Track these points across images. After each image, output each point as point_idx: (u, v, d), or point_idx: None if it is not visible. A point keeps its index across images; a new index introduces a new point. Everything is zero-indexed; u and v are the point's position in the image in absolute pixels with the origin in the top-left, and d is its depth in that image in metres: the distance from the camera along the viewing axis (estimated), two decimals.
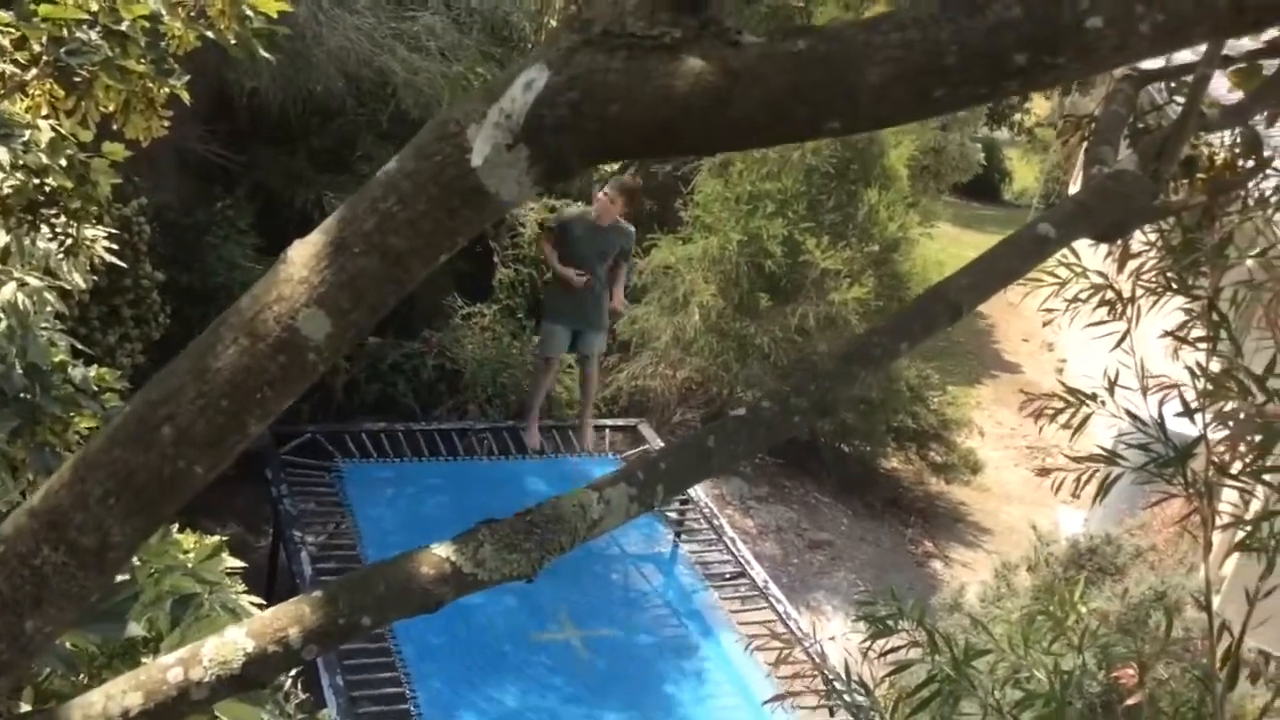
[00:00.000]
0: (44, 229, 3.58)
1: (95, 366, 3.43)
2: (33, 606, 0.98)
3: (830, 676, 5.25)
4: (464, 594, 1.34)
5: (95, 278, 5.93)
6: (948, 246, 11.60)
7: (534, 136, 0.92)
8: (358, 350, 8.06)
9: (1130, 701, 2.55)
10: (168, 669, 1.19)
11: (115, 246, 4.37)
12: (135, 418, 0.98)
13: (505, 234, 9.31)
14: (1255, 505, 2.56)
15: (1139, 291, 2.65)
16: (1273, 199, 2.56)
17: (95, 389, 3.32)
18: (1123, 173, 1.85)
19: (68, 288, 3.93)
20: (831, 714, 5.71)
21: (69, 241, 3.67)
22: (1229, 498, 2.66)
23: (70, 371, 3.34)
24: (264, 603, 2.85)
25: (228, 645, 1.20)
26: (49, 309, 3.69)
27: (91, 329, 6.09)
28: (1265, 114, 2.22)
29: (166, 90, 3.76)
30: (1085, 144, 2.45)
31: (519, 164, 0.92)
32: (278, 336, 0.97)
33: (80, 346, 4.27)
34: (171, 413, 0.96)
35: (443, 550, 1.33)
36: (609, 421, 8.65)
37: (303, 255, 0.96)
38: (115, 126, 3.85)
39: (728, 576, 7.07)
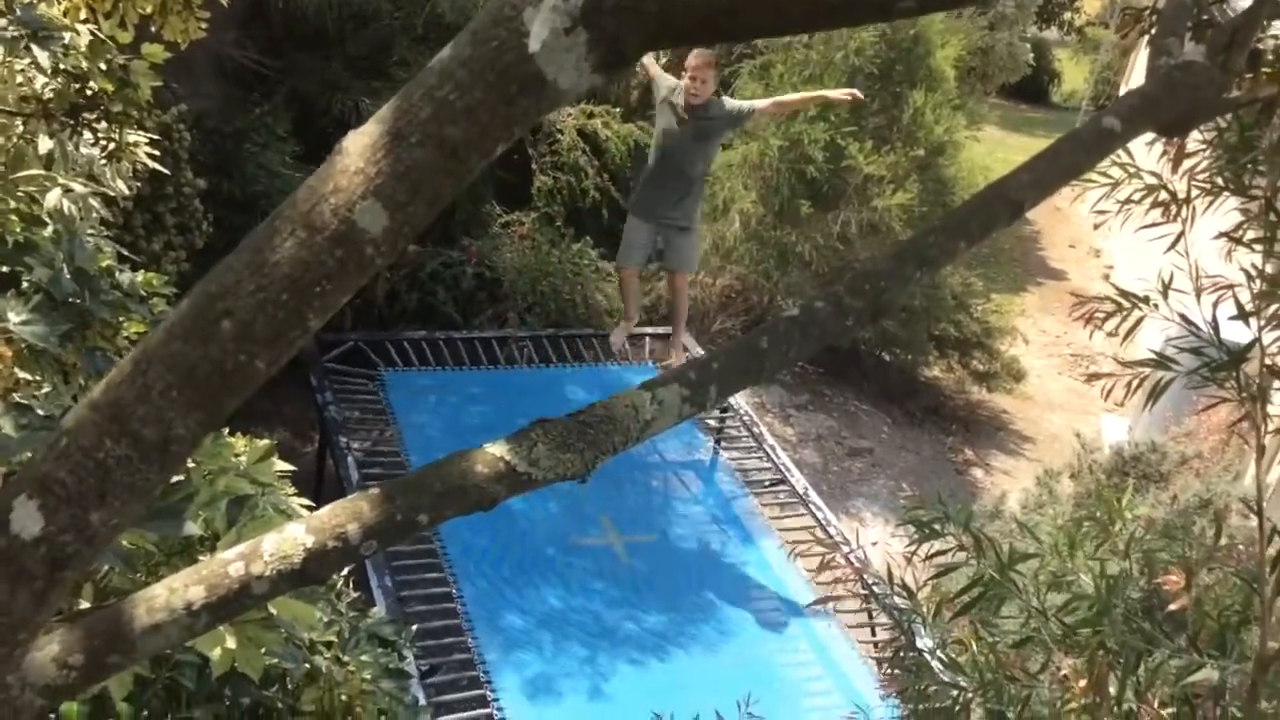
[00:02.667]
0: (86, 134, 3.58)
1: (142, 272, 3.46)
2: (97, 499, 0.99)
3: (871, 581, 5.31)
4: (517, 492, 1.35)
5: (138, 184, 5.95)
6: (994, 150, 11.37)
7: (593, 19, 0.89)
8: (398, 258, 8.08)
9: (1174, 606, 2.55)
10: (229, 563, 1.21)
11: (156, 153, 4.37)
12: (194, 311, 0.97)
13: (543, 141, 9.23)
14: None
15: (1194, 192, 2.58)
16: None
17: (143, 294, 3.35)
18: (1191, 64, 1.78)
19: (111, 194, 3.95)
20: (871, 617, 5.81)
21: (111, 146, 3.67)
22: (1279, 401, 2.62)
23: (118, 276, 3.37)
24: (313, 505, 2.91)
25: (288, 541, 1.21)
26: (94, 215, 3.71)
27: (136, 236, 6.14)
28: None
29: None
30: (1146, 37, 2.37)
31: (577, 49, 0.89)
32: (335, 229, 0.96)
33: (126, 253, 4.31)
34: (230, 307, 0.96)
35: (497, 449, 1.34)
36: (648, 330, 8.64)
37: (358, 146, 0.95)
38: (153, 28, 3.82)
39: (767, 484, 7.11)
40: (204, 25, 3.97)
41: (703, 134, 6.10)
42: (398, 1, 8.00)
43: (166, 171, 5.75)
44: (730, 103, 6.17)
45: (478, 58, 0.91)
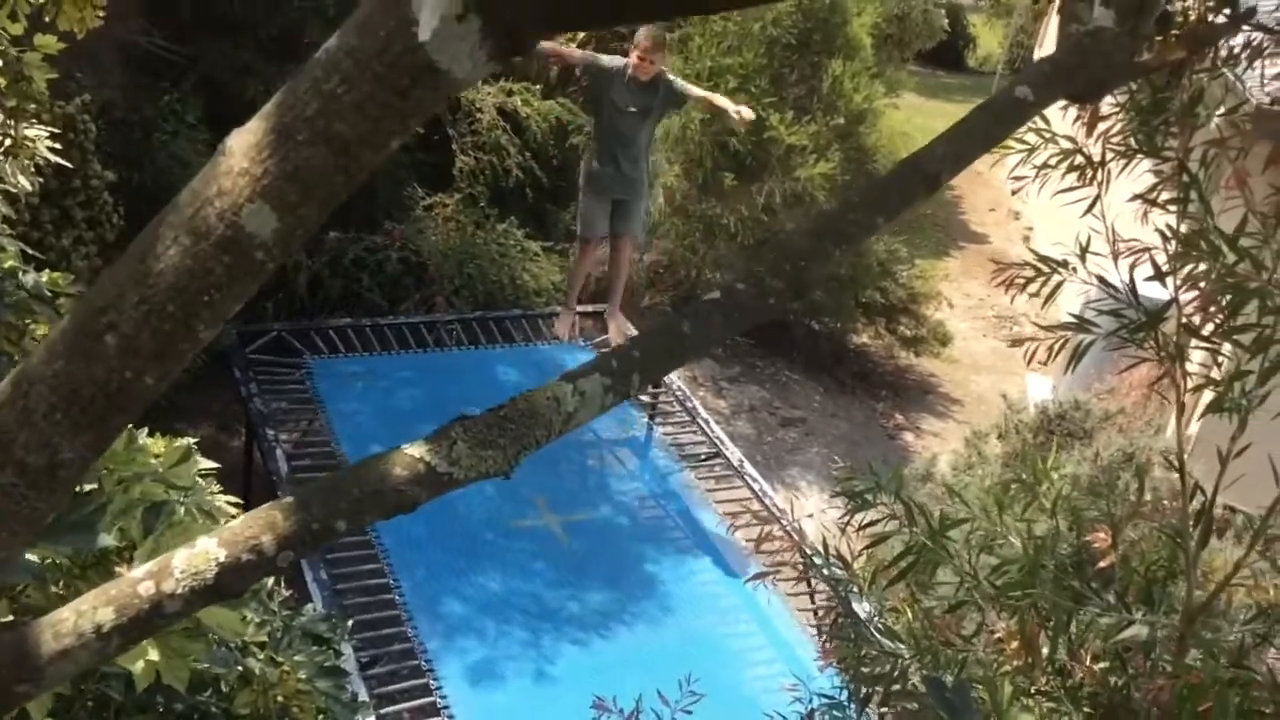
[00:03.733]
0: None
1: (47, 271, 3.34)
2: None
3: (809, 552, 5.35)
4: (439, 493, 1.31)
5: (41, 179, 5.78)
6: (913, 117, 11.47)
7: (485, 6, 0.84)
8: (319, 245, 7.93)
9: (1103, 563, 2.59)
10: (139, 582, 1.16)
11: (59, 146, 4.22)
12: (76, 327, 0.92)
13: (463, 121, 9.10)
14: (1224, 365, 2.56)
15: (1108, 155, 2.61)
16: (1243, 55, 2.50)
17: (49, 294, 3.24)
18: (1101, 30, 1.79)
19: (13, 190, 3.81)
20: (810, 587, 5.86)
21: (8, 142, 3.53)
22: (1197, 359, 2.67)
23: (22, 277, 3.25)
24: (242, 503, 2.83)
25: (199, 555, 1.16)
26: None
27: (44, 233, 5.95)
28: None
29: None
30: (1057, 2, 2.38)
31: (470, 36, 0.85)
32: (221, 234, 0.91)
33: (32, 252, 4.16)
34: (114, 321, 0.91)
35: (416, 450, 1.30)
36: (577, 308, 8.59)
37: (243, 145, 0.90)
38: (46, 18, 3.67)
39: (703, 457, 7.13)
40: (101, 14, 3.83)
41: (649, 110, 6.32)
42: None
43: (71, 165, 5.58)
44: (676, 82, 6.37)
45: (365, 48, 0.86)
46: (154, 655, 1.86)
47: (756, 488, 6.63)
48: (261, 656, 2.71)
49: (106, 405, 0.93)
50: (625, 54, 6.39)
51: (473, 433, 1.33)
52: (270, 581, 2.98)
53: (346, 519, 1.23)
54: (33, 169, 4.15)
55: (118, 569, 2.01)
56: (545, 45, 6.32)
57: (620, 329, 7.23)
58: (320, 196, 0.91)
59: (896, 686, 2.54)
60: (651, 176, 6.91)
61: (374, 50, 0.86)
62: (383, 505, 1.26)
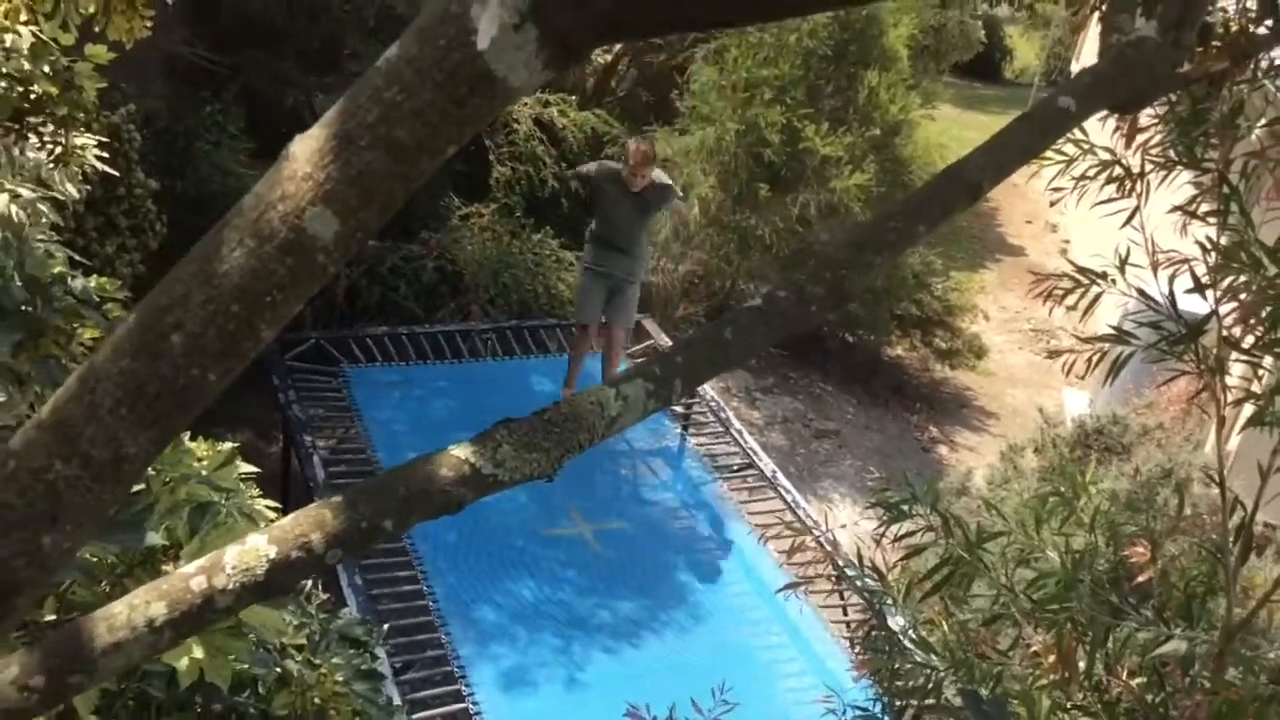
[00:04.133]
0: (32, 138, 3.51)
1: (95, 277, 3.40)
2: (48, 522, 0.96)
3: (842, 563, 5.34)
4: (484, 495, 1.33)
5: (88, 187, 5.87)
6: (949, 128, 11.42)
7: (542, 15, 0.86)
8: (357, 255, 8.01)
9: (1141, 578, 2.58)
10: (190, 577, 1.19)
11: (106, 155, 4.29)
12: (142, 326, 0.95)
13: (500, 132, 9.17)
14: (1265, 379, 2.54)
15: (1148, 167, 2.60)
16: None
17: (97, 299, 3.29)
18: (1143, 40, 1.79)
19: (61, 198, 3.88)
20: (843, 599, 5.83)
21: (58, 150, 3.60)
22: (1237, 372, 2.65)
23: (70, 283, 3.31)
24: (280, 507, 2.87)
25: (251, 552, 1.19)
26: (44, 220, 3.65)
27: (89, 240, 6.05)
28: None
29: None
30: (1097, 14, 2.38)
31: (528, 45, 0.87)
32: (284, 237, 0.93)
33: (78, 258, 4.24)
34: (180, 320, 0.93)
35: (461, 451, 1.32)
36: None
37: (306, 150, 0.92)
38: (97, 29, 3.75)
39: (736, 468, 7.13)
40: (149, 24, 3.90)
41: (643, 208, 6.66)
42: None
43: (117, 174, 5.67)
44: (663, 180, 6.70)
45: (424, 57, 0.89)
46: (198, 653, 1.89)
47: (789, 499, 6.62)
48: (299, 658, 2.74)
49: (171, 402, 0.95)
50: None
51: (517, 435, 1.35)
52: (309, 584, 3.02)
53: (394, 518, 1.25)
54: (80, 177, 4.23)
55: (164, 567, 2.04)
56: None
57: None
58: (380, 201, 0.94)
59: (931, 700, 2.53)
60: (646, 265, 7.22)
61: (433, 59, 0.89)
62: (429, 505, 1.28)
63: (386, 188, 0.93)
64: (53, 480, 0.95)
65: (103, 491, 0.97)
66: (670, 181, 6.76)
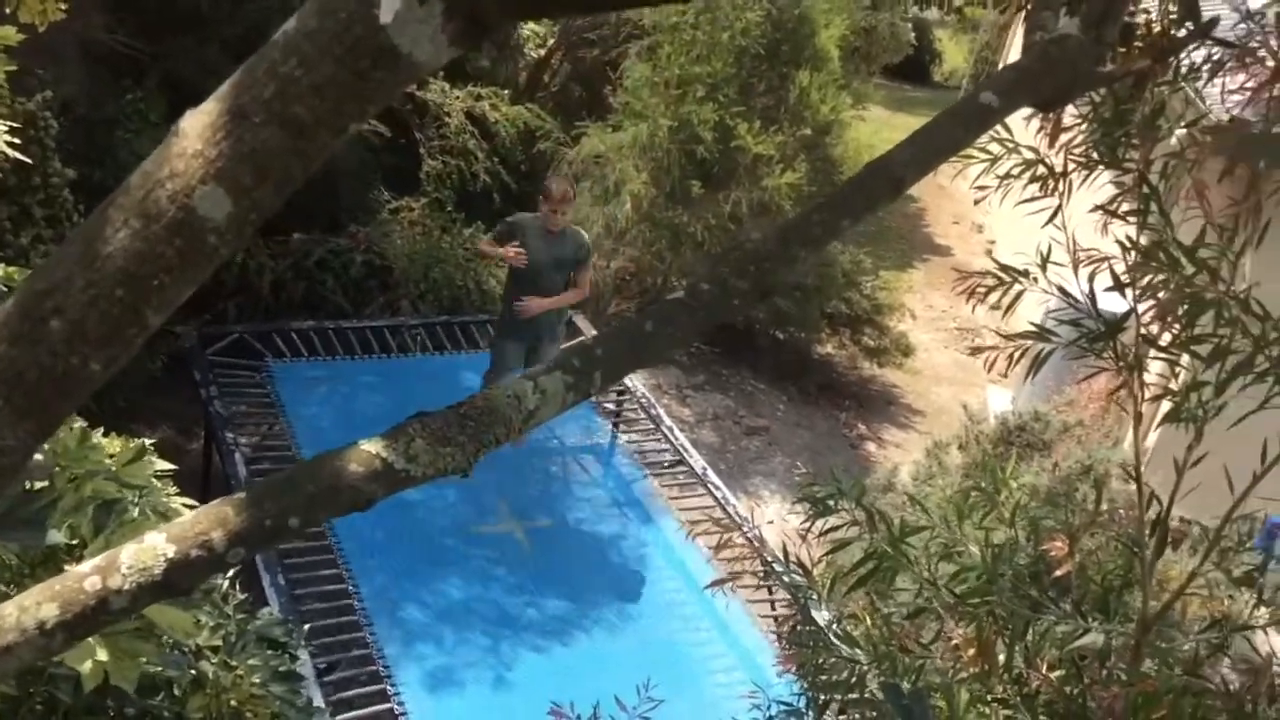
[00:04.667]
0: None
1: (3, 266, 3.28)
2: None
3: (769, 559, 5.36)
4: (396, 490, 1.29)
5: (1, 176, 5.68)
6: (879, 130, 11.52)
7: None
8: (282, 248, 7.86)
9: (1059, 572, 2.61)
10: (84, 577, 1.13)
11: (19, 142, 4.15)
12: (20, 311, 0.89)
13: (431, 124, 9.06)
14: (1182, 376, 2.59)
15: (1070, 166, 2.63)
16: (1204, 68, 2.53)
17: (5, 289, 3.18)
18: (1066, 38, 1.80)
19: None
20: (771, 594, 5.86)
21: None
22: (1155, 369, 2.69)
23: None
24: (199, 504, 2.79)
25: (147, 551, 1.14)
26: None
27: (2, 230, 5.86)
28: None
29: None
30: (1024, 12, 2.39)
31: (433, 20, 0.84)
32: (172, 217, 0.89)
33: None
34: (59, 304, 0.88)
35: (373, 446, 1.28)
36: None
37: (196, 126, 0.88)
38: (8, 10, 3.62)
39: (666, 465, 7.12)
40: (64, 6, 3.78)
41: (562, 259, 6.38)
42: None
43: (31, 162, 5.49)
44: (584, 239, 6.55)
45: (325, 30, 0.85)
46: (102, 655, 1.82)
47: (719, 495, 6.63)
48: (215, 660, 2.67)
49: (51, 391, 0.90)
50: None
51: (431, 429, 1.31)
52: (225, 584, 2.94)
53: (300, 515, 1.21)
54: None
55: (67, 567, 1.96)
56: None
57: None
58: (276, 180, 0.90)
59: (854, 694, 2.54)
60: (563, 323, 6.86)
61: (334, 32, 0.85)
62: (338, 502, 1.24)
63: (283, 165, 0.88)
64: None
65: None
66: (586, 238, 6.58)
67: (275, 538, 1.21)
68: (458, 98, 9.09)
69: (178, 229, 0.88)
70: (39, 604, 1.15)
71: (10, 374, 0.89)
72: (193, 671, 2.60)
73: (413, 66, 0.86)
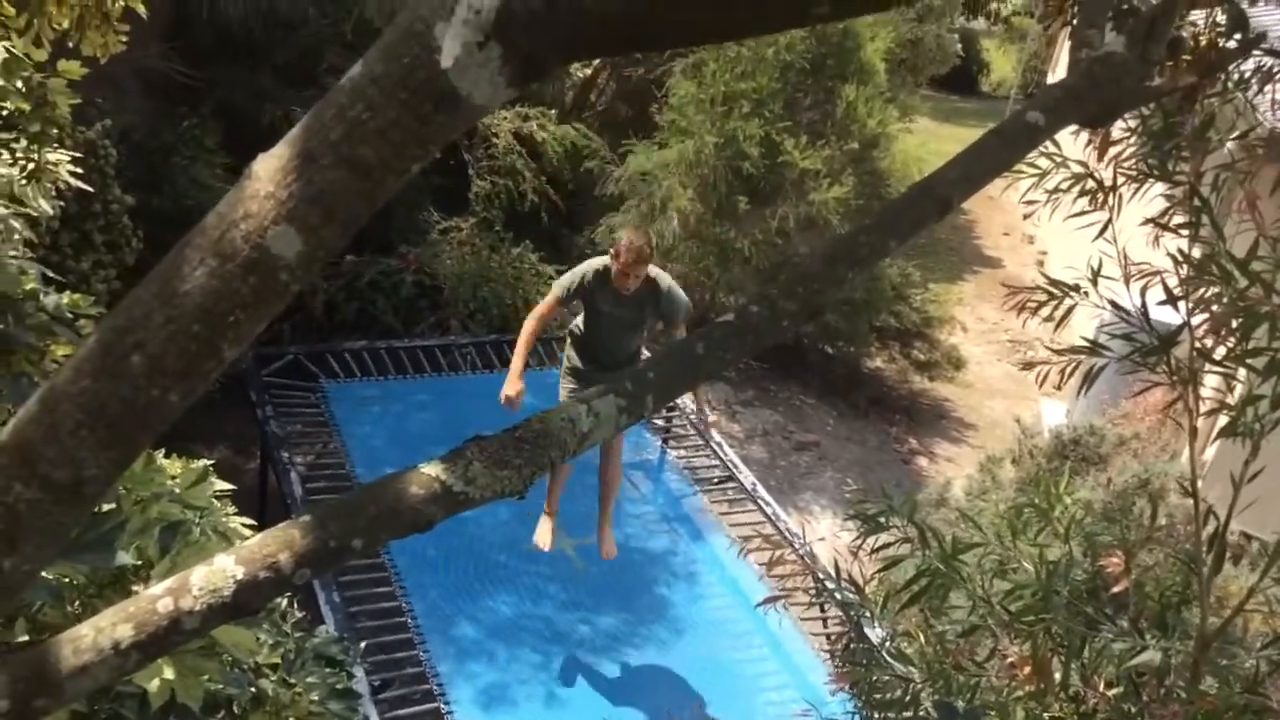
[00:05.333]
0: (4, 154, 3.49)
1: (68, 293, 3.37)
2: (8, 545, 0.96)
3: (821, 576, 5.34)
4: (455, 512, 1.33)
5: (62, 204, 5.84)
6: (927, 141, 11.47)
7: (506, 33, 0.86)
8: (335, 269, 7.99)
9: (1116, 588, 2.59)
10: (157, 599, 1.18)
11: (80, 170, 4.27)
12: (102, 347, 0.94)
13: (479, 145, 9.17)
14: (1238, 390, 2.56)
15: (1120, 179, 2.62)
16: (1253, 80, 2.52)
17: (70, 316, 3.27)
18: (1111, 55, 1.80)
19: (34, 214, 3.86)
20: (823, 611, 5.84)
21: (31, 166, 3.58)
22: (1210, 383, 2.67)
23: (43, 300, 3.28)
24: (256, 524, 2.85)
25: (218, 573, 1.18)
26: (16, 237, 3.62)
27: (64, 256, 6.02)
28: None
29: (121, 4, 3.65)
30: (1069, 28, 2.39)
31: (491, 63, 0.87)
32: (247, 256, 0.93)
33: (52, 274, 4.21)
34: (140, 340, 0.92)
35: (432, 469, 1.31)
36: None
37: (268, 169, 0.92)
38: (70, 44, 3.74)
39: (716, 480, 7.12)
40: (124, 39, 3.89)
41: (639, 321, 5.45)
42: (324, 8, 7.89)
43: (92, 189, 5.64)
44: (672, 296, 5.38)
45: (389, 75, 0.88)
46: (169, 674, 1.87)
47: (769, 511, 6.62)
48: (274, 678, 2.72)
49: (132, 423, 0.94)
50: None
51: (488, 452, 1.35)
52: (284, 603, 3.00)
53: (363, 537, 1.25)
54: (54, 193, 4.21)
55: (134, 587, 2.02)
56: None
57: (611, 548, 5.86)
58: (343, 219, 0.93)
59: (908, 713, 2.53)
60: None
61: (398, 77, 0.88)
62: (399, 524, 1.28)
63: (350, 206, 0.92)
64: (12, 503, 0.94)
65: (63, 514, 0.96)
66: (678, 292, 5.43)
67: (339, 559, 1.25)
68: (505, 118, 9.20)
69: (252, 267, 0.92)
70: (114, 625, 1.20)
71: (94, 406, 0.93)
72: (252, 689, 2.66)
73: (473, 109, 0.90)
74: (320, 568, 1.23)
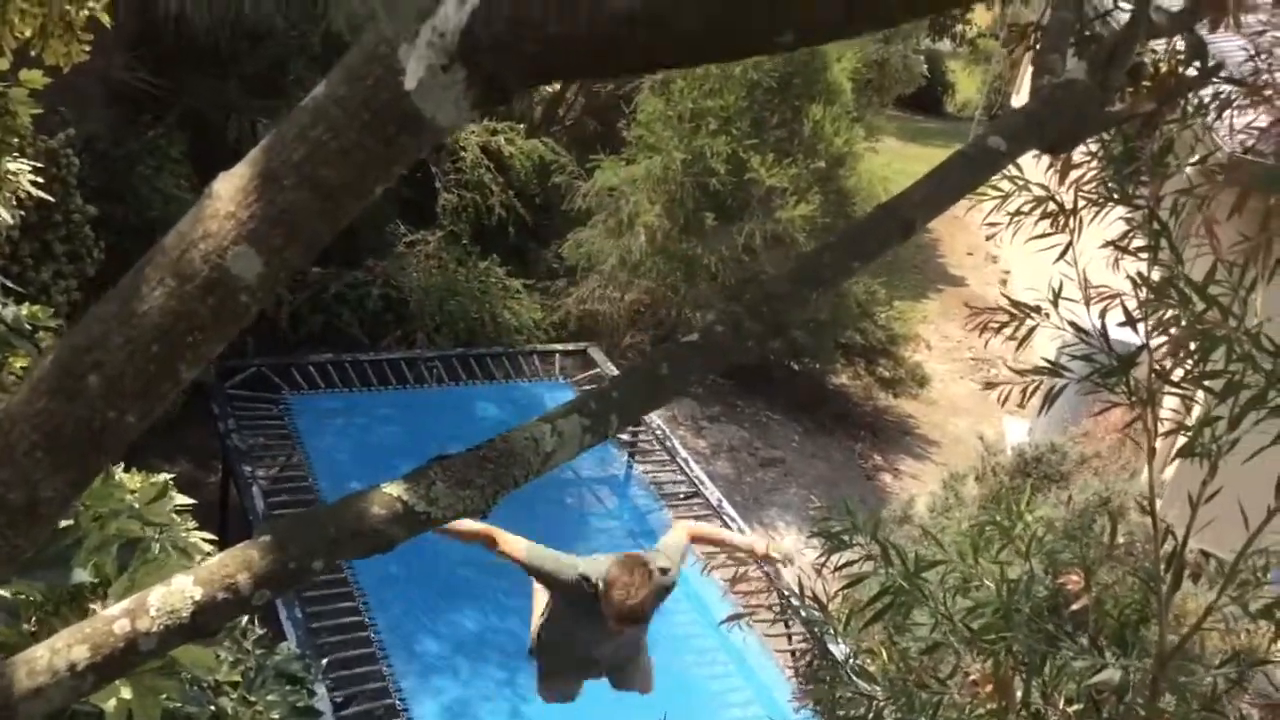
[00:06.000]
0: None
1: (27, 305, 3.33)
2: None
3: (785, 593, 5.35)
4: (417, 533, 1.32)
5: (23, 213, 5.77)
6: (893, 161, 11.56)
7: (470, 56, 0.86)
8: (299, 281, 7.94)
9: (1076, 606, 2.61)
10: (114, 620, 1.16)
11: (41, 180, 4.22)
12: (59, 367, 0.93)
13: (446, 158, 9.15)
14: (1196, 411, 2.60)
15: (1081, 203, 2.65)
16: (1212, 106, 2.56)
17: (29, 328, 3.23)
18: (1073, 82, 1.83)
19: None
20: (787, 627, 5.84)
21: None
22: (1169, 404, 2.70)
23: (1, 311, 3.24)
24: (217, 539, 2.82)
25: (175, 594, 1.16)
26: None
27: (24, 266, 5.94)
28: (1208, 20, 2.21)
29: (85, 13, 3.62)
30: (1031, 53, 2.43)
31: (455, 86, 0.87)
32: (206, 277, 0.92)
33: (12, 285, 4.15)
34: (98, 360, 0.91)
35: (394, 489, 1.31)
36: (558, 346, 8.63)
37: (229, 189, 0.91)
38: (33, 53, 3.70)
39: (682, 496, 7.13)
40: (87, 48, 3.85)
41: (613, 657, 4.46)
42: (292, 19, 7.86)
43: (53, 199, 5.57)
44: (661, 568, 4.15)
45: (352, 96, 0.88)
46: (126, 694, 1.84)
47: (735, 527, 6.63)
48: (234, 696, 2.69)
49: (89, 444, 0.93)
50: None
51: (451, 472, 1.34)
52: (244, 620, 2.96)
53: (324, 558, 1.24)
54: (14, 202, 4.15)
55: (92, 605, 1.99)
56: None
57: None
58: (305, 240, 0.93)
59: None
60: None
61: (360, 98, 0.88)
62: (360, 544, 1.27)
63: (311, 227, 0.92)
64: None
65: (16, 537, 0.95)
66: (669, 570, 4.21)
67: (299, 579, 1.24)
68: (474, 132, 9.19)
69: (211, 288, 0.91)
70: (70, 646, 1.18)
71: (49, 427, 0.92)
72: (212, 708, 2.62)
73: (436, 131, 0.90)
74: (279, 588, 1.22)
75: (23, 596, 1.96)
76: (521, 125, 9.75)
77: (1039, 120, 1.83)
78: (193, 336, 0.92)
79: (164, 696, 2.06)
